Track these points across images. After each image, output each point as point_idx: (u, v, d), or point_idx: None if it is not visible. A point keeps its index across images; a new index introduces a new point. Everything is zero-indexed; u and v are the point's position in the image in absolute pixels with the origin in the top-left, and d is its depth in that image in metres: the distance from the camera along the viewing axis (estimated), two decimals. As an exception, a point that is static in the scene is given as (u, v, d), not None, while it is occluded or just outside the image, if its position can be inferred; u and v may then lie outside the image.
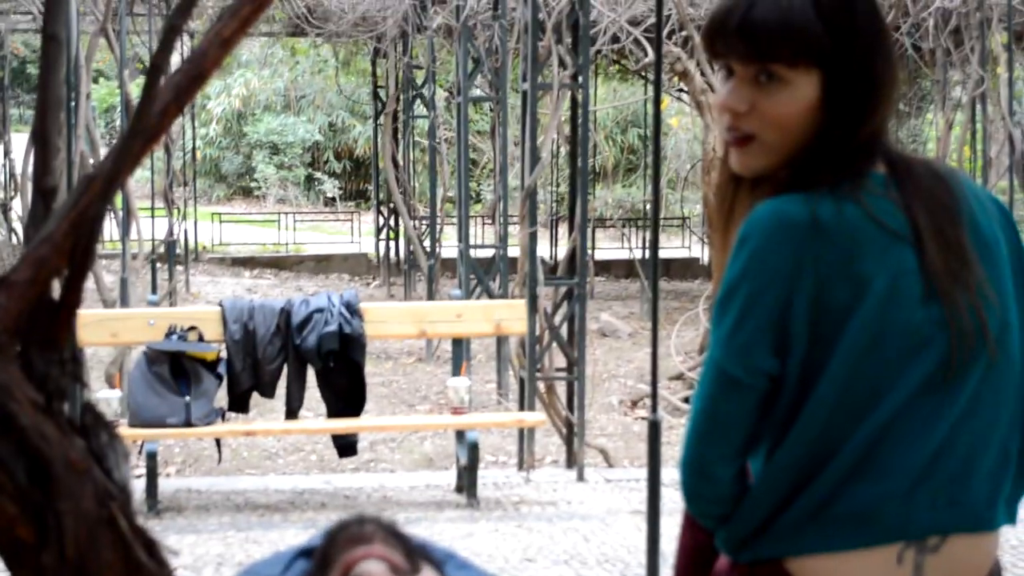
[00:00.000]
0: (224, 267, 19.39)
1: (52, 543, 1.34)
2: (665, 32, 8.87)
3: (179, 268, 15.25)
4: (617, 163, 26.28)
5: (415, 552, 2.30)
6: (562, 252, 8.59)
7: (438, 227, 13.80)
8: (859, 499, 1.76)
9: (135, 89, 10.75)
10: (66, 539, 1.34)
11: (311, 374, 6.56)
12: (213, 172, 28.56)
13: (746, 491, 1.83)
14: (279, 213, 22.61)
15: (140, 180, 18.32)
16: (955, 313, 1.77)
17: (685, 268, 19.34)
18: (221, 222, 20.47)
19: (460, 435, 6.67)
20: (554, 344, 7.43)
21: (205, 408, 6.31)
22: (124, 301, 9.42)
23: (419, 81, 14.66)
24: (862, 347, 1.75)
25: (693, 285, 18.07)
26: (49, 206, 1.39)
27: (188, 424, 6.25)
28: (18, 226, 15.42)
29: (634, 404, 10.02)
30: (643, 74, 15.74)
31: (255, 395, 6.57)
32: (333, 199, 27.62)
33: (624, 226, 20.45)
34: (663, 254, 17.20)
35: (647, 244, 16.46)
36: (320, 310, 6.45)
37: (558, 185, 18.50)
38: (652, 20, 8.06)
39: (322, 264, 19.58)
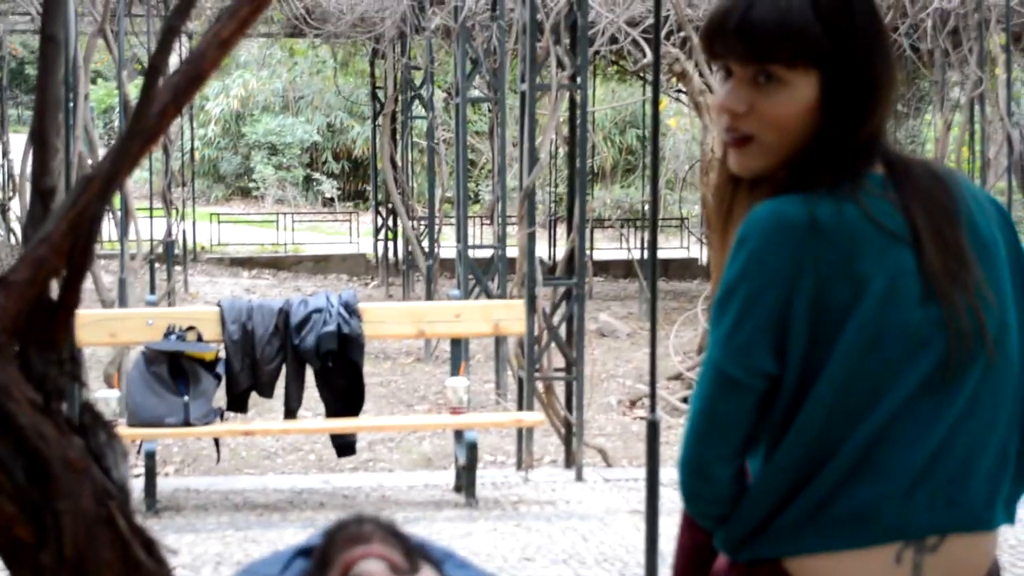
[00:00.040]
0: (222, 267, 19.39)
1: (51, 542, 1.34)
2: (663, 33, 8.88)
3: (177, 268, 15.25)
4: (615, 164, 26.29)
5: (414, 551, 2.30)
6: (561, 252, 8.59)
7: (436, 227, 13.80)
8: (858, 499, 1.76)
9: (133, 90, 10.75)
10: (65, 538, 1.34)
11: (310, 374, 6.56)
12: (211, 173, 28.55)
13: (745, 491, 1.83)
14: (277, 213, 22.60)
15: (138, 180, 18.32)
16: (953, 314, 1.77)
17: (683, 268, 19.35)
18: (219, 222, 20.46)
19: (459, 435, 6.67)
20: (552, 344, 7.44)
21: (204, 408, 6.31)
22: (122, 301, 9.41)
23: (417, 82, 14.66)
24: (860, 348, 1.75)
25: (691, 285, 18.08)
26: (47, 206, 1.39)
27: (187, 424, 6.25)
28: (16, 226, 15.40)
29: (632, 404, 10.03)
30: (641, 75, 15.73)
31: (253, 395, 6.57)
32: (331, 199, 27.61)
33: (622, 226, 20.45)
34: (661, 254, 17.24)
35: (645, 244, 16.47)
36: (319, 310, 6.46)
37: (556, 186, 18.50)
38: (650, 21, 8.07)
39: (320, 264, 19.58)
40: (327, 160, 28.27)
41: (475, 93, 12.96)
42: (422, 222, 15.36)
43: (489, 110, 15.21)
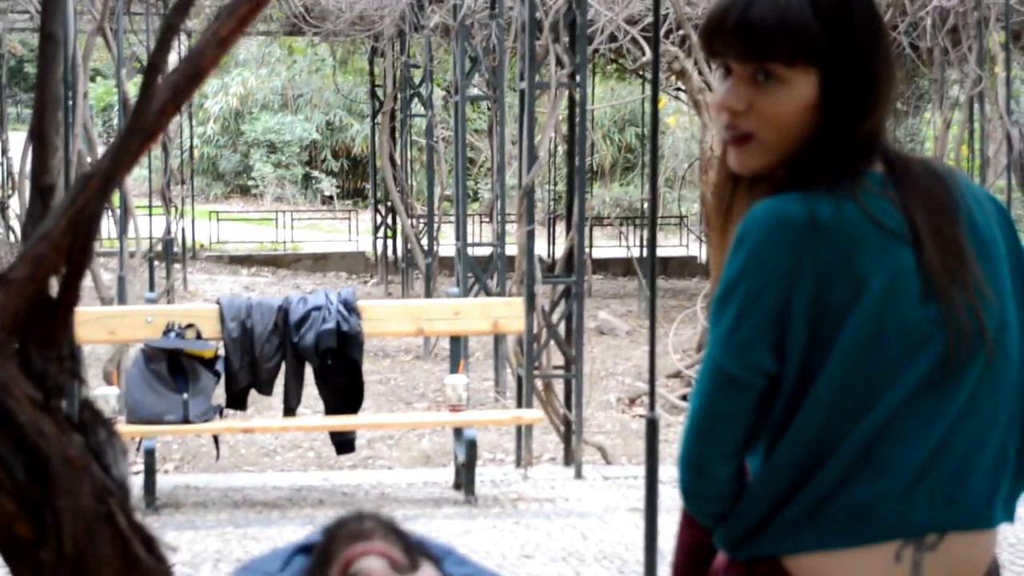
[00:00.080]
0: (222, 265, 19.39)
1: (50, 540, 1.34)
2: (662, 31, 8.87)
3: (177, 266, 15.25)
4: (615, 162, 26.29)
5: (414, 548, 2.31)
6: (560, 250, 8.59)
7: (436, 225, 13.80)
8: (857, 498, 1.76)
9: (132, 88, 10.75)
10: (64, 535, 1.34)
11: (309, 372, 6.56)
12: (211, 170, 28.55)
13: (744, 489, 1.83)
14: (277, 211, 22.60)
15: (138, 178, 18.31)
16: (953, 312, 1.77)
17: (683, 266, 19.36)
18: (219, 220, 20.46)
19: (458, 432, 6.67)
20: (552, 342, 7.44)
21: (203, 405, 6.31)
22: (122, 299, 9.42)
23: (417, 80, 14.65)
24: (860, 346, 1.75)
25: (691, 283, 18.09)
26: (47, 204, 1.39)
27: (186, 421, 6.25)
28: (16, 224, 15.40)
29: (632, 402, 10.03)
30: (640, 73, 15.74)
31: (253, 392, 6.57)
32: (331, 197, 27.61)
33: (622, 224, 20.47)
34: (661, 252, 17.24)
35: (645, 242, 16.48)
36: (318, 308, 6.46)
37: (556, 184, 18.50)
38: (649, 19, 8.07)
39: (320, 262, 19.58)
40: (326, 158, 28.26)
41: (474, 91, 12.96)
42: (421, 220, 15.36)
43: (488, 108, 15.20)
